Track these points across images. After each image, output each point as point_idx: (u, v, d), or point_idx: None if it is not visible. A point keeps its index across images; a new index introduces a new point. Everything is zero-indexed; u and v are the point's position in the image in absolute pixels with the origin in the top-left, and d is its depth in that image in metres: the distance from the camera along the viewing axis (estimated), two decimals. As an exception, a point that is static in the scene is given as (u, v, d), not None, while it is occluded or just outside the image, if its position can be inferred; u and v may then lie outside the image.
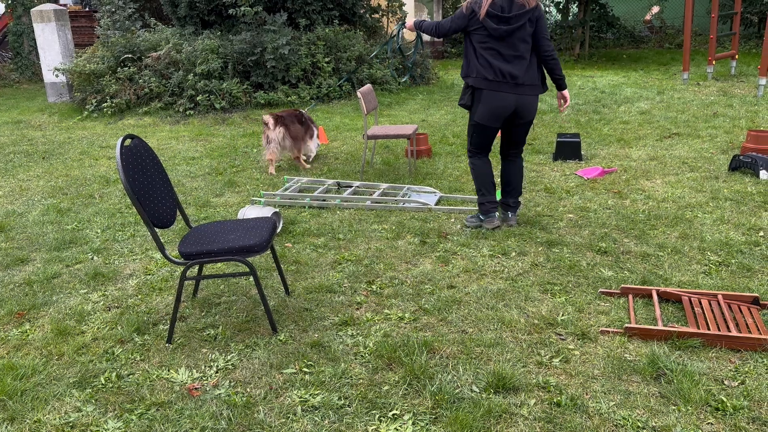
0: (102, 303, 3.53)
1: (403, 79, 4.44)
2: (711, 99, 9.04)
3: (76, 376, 2.80)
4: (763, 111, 7.97)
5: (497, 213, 4.45)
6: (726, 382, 2.58)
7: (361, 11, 12.01)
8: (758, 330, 2.88)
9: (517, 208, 4.49)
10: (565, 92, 4.32)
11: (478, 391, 2.59)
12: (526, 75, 4.08)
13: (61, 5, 14.80)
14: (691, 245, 3.98)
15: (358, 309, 3.34)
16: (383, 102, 9.94)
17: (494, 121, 4.17)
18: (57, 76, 10.68)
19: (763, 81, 8.89)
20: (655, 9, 17.55)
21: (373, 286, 3.60)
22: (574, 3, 14.70)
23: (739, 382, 2.58)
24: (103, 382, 2.75)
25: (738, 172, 5.48)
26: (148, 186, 2.99)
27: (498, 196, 4.71)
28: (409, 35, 14.20)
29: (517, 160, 4.43)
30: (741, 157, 5.44)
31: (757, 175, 5.28)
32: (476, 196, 4.62)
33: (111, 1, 10.63)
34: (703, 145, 6.52)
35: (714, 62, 10.95)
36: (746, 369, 2.66)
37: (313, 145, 6.47)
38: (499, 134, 4.47)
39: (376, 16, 12.66)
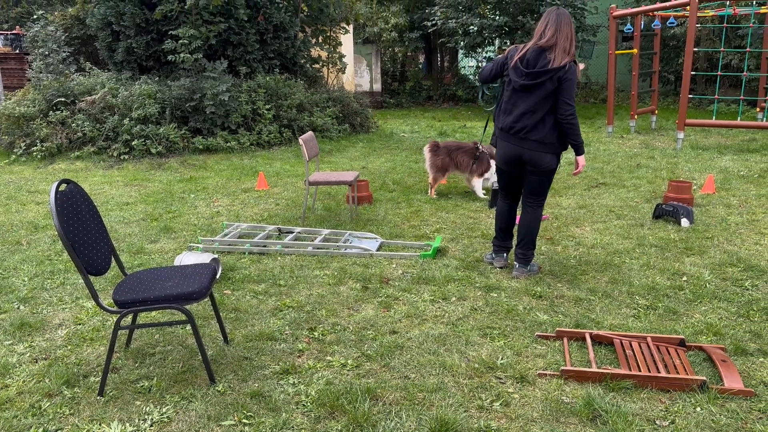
0: (28, 354, 3.35)
1: (490, 108, 4.37)
2: (634, 151, 9.56)
3: (-3, 434, 2.64)
4: (682, 162, 8.49)
5: (505, 254, 4.58)
6: (657, 422, 2.68)
7: (302, 61, 12.21)
8: (685, 371, 3.02)
9: (523, 261, 4.35)
10: (579, 158, 4.23)
11: (421, 437, 2.59)
12: (534, 131, 4.06)
13: (-10, 46, 14.36)
14: (621, 290, 4.16)
15: (299, 356, 3.30)
16: (324, 149, 10.03)
17: (506, 165, 4.31)
18: (-17, 118, 10.27)
19: (680, 135, 9.50)
20: (581, 66, 18.58)
21: (315, 333, 3.57)
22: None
23: (670, 421, 2.68)
24: (28, 439, 2.60)
25: (661, 219, 5.79)
26: (83, 232, 2.91)
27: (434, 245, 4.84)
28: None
29: (528, 209, 4.32)
30: (663, 206, 5.76)
31: (679, 223, 5.59)
32: (417, 242, 4.94)
33: (45, 45, 10.40)
34: (628, 194, 6.87)
35: (636, 117, 11.65)
36: (675, 408, 2.77)
37: (476, 183, 6.86)
38: None
39: (317, 66, 12.89)
